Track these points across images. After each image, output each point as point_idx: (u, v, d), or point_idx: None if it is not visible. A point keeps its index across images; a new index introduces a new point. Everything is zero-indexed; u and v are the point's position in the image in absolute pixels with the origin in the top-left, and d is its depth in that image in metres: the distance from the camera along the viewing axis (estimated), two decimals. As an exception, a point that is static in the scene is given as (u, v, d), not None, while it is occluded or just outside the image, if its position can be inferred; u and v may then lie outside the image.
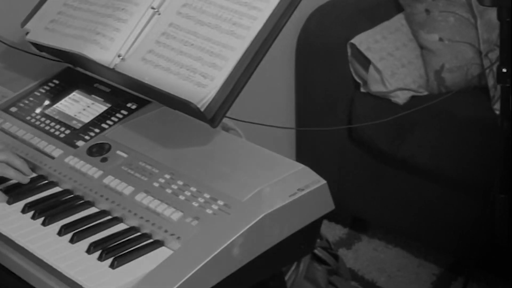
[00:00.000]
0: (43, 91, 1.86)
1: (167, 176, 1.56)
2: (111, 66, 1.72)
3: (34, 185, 1.65)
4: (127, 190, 1.56)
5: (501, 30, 1.82)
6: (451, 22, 2.79)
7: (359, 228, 3.08)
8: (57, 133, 1.75)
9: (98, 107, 1.79)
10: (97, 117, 1.77)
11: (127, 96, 1.80)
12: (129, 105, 1.78)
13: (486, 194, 2.01)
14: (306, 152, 3.10)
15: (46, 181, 1.66)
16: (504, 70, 1.82)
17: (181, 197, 1.51)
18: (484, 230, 2.03)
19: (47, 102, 1.83)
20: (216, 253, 1.37)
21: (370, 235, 3.05)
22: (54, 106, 1.82)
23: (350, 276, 2.54)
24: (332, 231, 3.04)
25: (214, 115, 1.58)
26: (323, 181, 1.52)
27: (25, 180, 1.65)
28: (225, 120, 1.88)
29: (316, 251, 2.33)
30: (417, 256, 2.92)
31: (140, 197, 1.53)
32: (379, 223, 3.04)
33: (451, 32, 2.78)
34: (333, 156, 3.01)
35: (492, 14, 2.47)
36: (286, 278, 2.20)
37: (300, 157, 3.11)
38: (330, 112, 2.96)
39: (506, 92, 1.87)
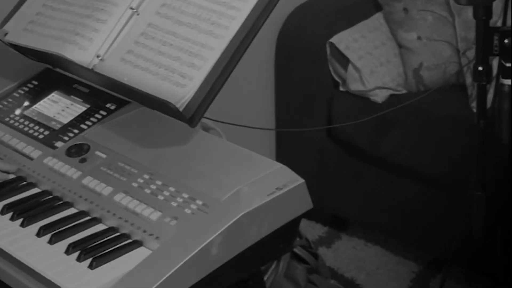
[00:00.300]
0: (22, 92, 1.86)
1: (146, 176, 1.56)
2: (90, 67, 1.72)
3: (12, 186, 1.65)
4: (106, 190, 1.56)
5: (477, 29, 1.83)
6: (429, 20, 2.80)
7: (338, 227, 3.09)
8: (36, 134, 1.74)
9: (77, 107, 1.79)
10: (76, 117, 1.77)
11: (106, 96, 1.80)
12: (108, 105, 1.78)
13: (464, 192, 2.02)
14: (286, 151, 3.11)
15: (25, 182, 1.66)
16: (480, 68, 1.83)
17: (160, 197, 1.51)
18: (462, 227, 2.04)
19: (26, 103, 1.83)
20: (194, 252, 1.38)
21: (350, 234, 3.06)
22: (33, 107, 1.82)
23: (329, 275, 2.55)
24: (312, 230, 3.04)
25: (192, 114, 1.58)
26: (301, 180, 1.52)
27: (12, 168, 1.66)
28: (205, 120, 1.89)
29: (296, 250, 2.34)
30: (396, 254, 2.93)
31: (119, 197, 1.54)
32: (359, 222, 3.05)
33: (429, 31, 2.79)
34: (312, 155, 3.02)
35: (469, 12, 2.48)
36: (266, 277, 2.21)
37: (280, 156, 3.12)
38: (309, 111, 2.97)
39: (482, 90, 1.88)
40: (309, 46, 2.93)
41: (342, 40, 2.86)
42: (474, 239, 1.95)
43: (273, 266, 2.22)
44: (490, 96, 2.04)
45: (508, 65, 1.82)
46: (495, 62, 1.97)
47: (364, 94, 2.83)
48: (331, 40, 2.86)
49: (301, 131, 2.91)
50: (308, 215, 1.57)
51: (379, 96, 2.80)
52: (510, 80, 1.83)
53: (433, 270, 2.85)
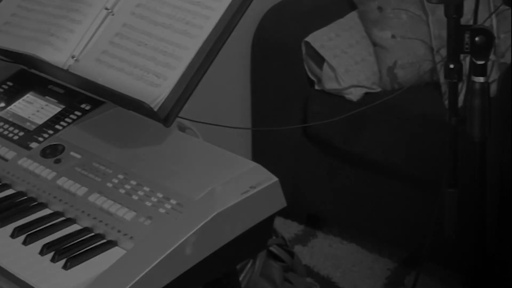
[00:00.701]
0: (-3, 93, 1.86)
1: (121, 176, 1.57)
2: (65, 67, 1.72)
3: (-14, 188, 1.65)
4: (81, 191, 1.56)
5: (448, 27, 1.85)
6: (403, 19, 2.82)
7: (314, 225, 3.09)
8: (10, 135, 1.74)
9: (52, 108, 1.79)
10: (51, 118, 1.76)
11: (81, 97, 1.80)
12: (83, 106, 1.78)
13: (437, 189, 2.04)
14: (262, 150, 3.12)
15: None
16: (451, 66, 1.85)
17: (134, 197, 1.51)
18: (435, 224, 2.06)
19: (0, 105, 1.83)
20: (168, 252, 1.38)
21: (326, 232, 3.07)
22: (8, 108, 1.82)
23: (305, 273, 2.56)
24: (288, 228, 3.05)
25: (167, 114, 1.58)
26: (275, 178, 1.53)
27: None
28: (181, 120, 1.89)
29: (271, 248, 2.35)
30: (372, 252, 2.95)
31: (94, 197, 1.54)
32: (334, 219, 3.06)
33: (404, 29, 2.81)
34: (288, 154, 3.03)
35: (443, 11, 2.51)
36: (242, 275, 2.21)
37: (256, 155, 3.13)
38: (285, 110, 2.98)
39: (453, 88, 1.90)
40: (284, 45, 2.94)
41: (317, 39, 2.87)
42: (446, 236, 1.97)
43: (249, 264, 2.23)
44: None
45: (479, 62, 1.83)
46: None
47: (339, 92, 2.84)
48: (306, 39, 2.87)
49: (277, 129, 2.92)
50: (284, 213, 1.57)
51: (354, 95, 2.82)
52: (481, 77, 1.85)
53: (408, 267, 2.86)
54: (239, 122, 3.12)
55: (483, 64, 1.83)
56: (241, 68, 3.09)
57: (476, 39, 1.82)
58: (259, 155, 3.10)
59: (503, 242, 2.35)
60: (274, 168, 1.57)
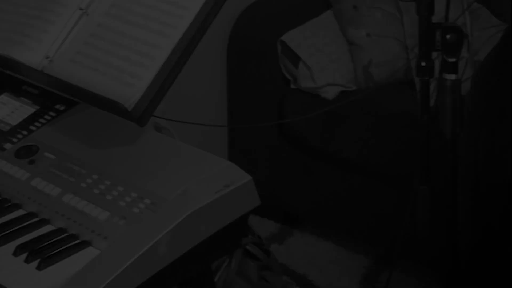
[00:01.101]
0: (-30, 95, 1.86)
1: (95, 177, 1.57)
2: (39, 68, 1.72)
3: (-40, 190, 1.64)
4: (55, 191, 1.56)
5: (420, 25, 1.86)
6: (378, 17, 2.83)
7: (291, 223, 3.10)
8: (-16, 136, 1.74)
9: (26, 109, 1.79)
10: (25, 119, 1.76)
11: (55, 97, 1.79)
12: (57, 106, 1.77)
13: (412, 186, 2.05)
14: (239, 149, 3.12)
15: (-27, 186, 1.66)
16: (423, 63, 1.86)
17: (109, 197, 1.52)
18: (408, 221, 2.07)
19: (-26, 106, 1.83)
20: (142, 251, 1.39)
21: (302, 230, 3.07)
22: (-18, 110, 1.82)
23: (281, 271, 2.57)
24: (264, 227, 3.04)
25: (141, 114, 1.58)
26: (249, 177, 1.53)
27: None
28: (158, 119, 1.89)
29: (248, 247, 2.35)
30: (347, 249, 2.95)
31: (68, 198, 1.54)
32: (311, 218, 3.07)
33: (378, 28, 2.82)
34: (264, 153, 3.03)
35: (416, 9, 2.52)
36: (219, 274, 2.22)
37: (233, 155, 3.13)
38: (261, 109, 2.99)
39: (425, 86, 1.91)
40: (260, 44, 2.95)
41: (293, 38, 2.88)
42: (417, 233, 1.98)
43: (225, 263, 2.24)
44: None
45: (450, 60, 1.85)
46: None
47: (315, 91, 2.85)
48: (282, 38, 2.88)
49: (253, 127, 2.92)
50: (260, 212, 1.58)
51: (330, 93, 2.83)
52: (452, 75, 1.86)
53: (383, 264, 2.88)
54: (215, 121, 3.13)
55: (454, 61, 1.85)
56: (217, 68, 3.09)
57: (447, 36, 1.83)
58: (235, 154, 3.11)
59: (480, 238, 2.37)
60: (250, 167, 1.57)
